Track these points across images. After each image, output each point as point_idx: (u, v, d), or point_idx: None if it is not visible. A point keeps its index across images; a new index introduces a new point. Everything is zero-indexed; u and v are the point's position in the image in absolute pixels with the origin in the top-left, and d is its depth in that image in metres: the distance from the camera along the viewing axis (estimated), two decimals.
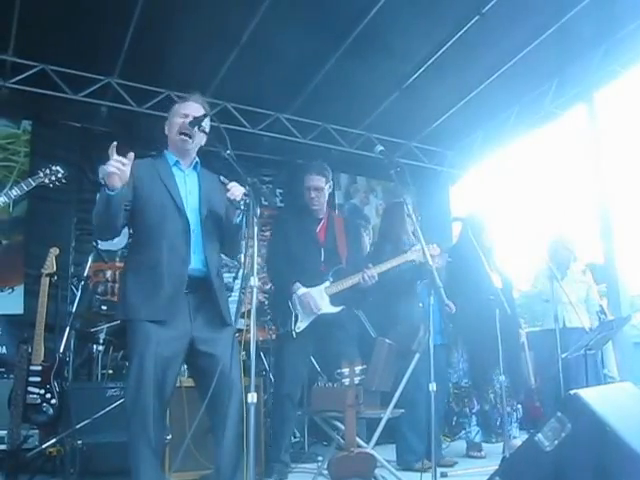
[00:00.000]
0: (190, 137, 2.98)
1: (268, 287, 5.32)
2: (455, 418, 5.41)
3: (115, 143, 2.64)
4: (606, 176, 6.83)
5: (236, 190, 2.86)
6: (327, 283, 4.11)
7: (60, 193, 3.84)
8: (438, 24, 5.91)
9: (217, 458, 2.82)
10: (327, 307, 4.08)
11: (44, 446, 3.94)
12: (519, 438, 4.85)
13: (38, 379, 4.19)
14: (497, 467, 3.38)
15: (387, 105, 7.15)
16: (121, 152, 2.65)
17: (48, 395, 4.18)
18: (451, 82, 6.77)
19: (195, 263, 2.91)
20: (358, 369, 3.13)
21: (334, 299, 4.10)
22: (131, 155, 2.68)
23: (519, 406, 5.24)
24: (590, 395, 2.58)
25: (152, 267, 2.83)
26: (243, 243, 2.96)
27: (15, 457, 3.88)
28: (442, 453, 4.74)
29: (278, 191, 7.85)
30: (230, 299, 3.43)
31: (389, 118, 7.34)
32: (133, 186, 2.87)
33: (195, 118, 2.95)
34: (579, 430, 2.48)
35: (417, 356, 3.66)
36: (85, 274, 5.22)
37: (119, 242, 5.48)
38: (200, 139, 3.04)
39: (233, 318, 3.00)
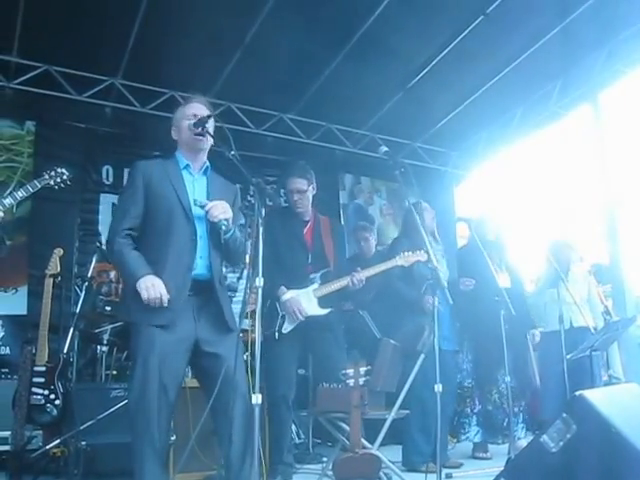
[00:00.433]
0: (203, 135, 2.96)
1: None
2: (456, 418, 5.40)
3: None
4: (611, 176, 6.80)
5: (215, 211, 2.86)
6: (315, 285, 4.10)
7: (64, 193, 3.84)
8: (442, 25, 5.91)
9: (224, 459, 2.83)
10: (315, 309, 4.06)
11: (48, 447, 3.92)
12: (524, 439, 4.84)
13: (42, 380, 4.18)
14: (502, 468, 3.38)
15: (391, 105, 7.15)
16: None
17: (52, 396, 4.17)
18: (455, 83, 6.76)
19: (200, 268, 2.90)
20: (363, 370, 3.13)
21: (322, 301, 4.09)
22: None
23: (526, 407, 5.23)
24: (595, 396, 2.57)
25: (156, 272, 2.81)
26: (249, 244, 2.95)
27: (19, 458, 3.88)
28: (448, 455, 4.72)
29: (282, 191, 7.84)
30: (234, 299, 3.43)
31: (393, 118, 7.34)
32: (144, 194, 2.89)
33: (199, 119, 2.95)
34: (584, 431, 2.47)
35: (422, 357, 3.65)
36: (89, 275, 5.21)
37: None
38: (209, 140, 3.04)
39: (237, 319, 2.99)
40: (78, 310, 4.96)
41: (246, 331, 3.63)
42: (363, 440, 3.34)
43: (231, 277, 5.99)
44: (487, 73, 6.69)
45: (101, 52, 5.87)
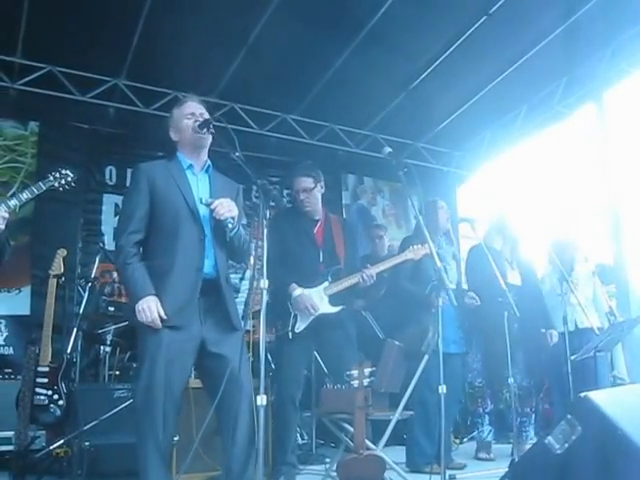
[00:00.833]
0: (206, 132, 2.96)
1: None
2: (470, 418, 5.39)
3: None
4: (615, 176, 6.78)
5: (221, 209, 2.85)
6: (326, 283, 4.09)
7: (67, 194, 3.83)
8: (445, 25, 5.90)
9: (227, 459, 2.80)
10: (326, 307, 4.05)
11: (51, 447, 3.93)
12: (534, 440, 4.82)
13: (45, 380, 4.19)
14: (506, 469, 3.37)
15: (394, 106, 7.14)
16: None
17: (55, 396, 4.18)
18: (458, 82, 6.75)
19: (207, 268, 2.89)
20: (367, 371, 3.12)
21: (333, 299, 4.08)
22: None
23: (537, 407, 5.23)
24: (600, 397, 2.56)
25: (165, 273, 2.81)
26: (252, 245, 2.95)
27: (22, 458, 3.88)
28: (451, 456, 4.71)
29: (286, 192, 7.84)
30: (237, 300, 3.42)
31: (396, 119, 7.33)
32: (149, 196, 2.89)
33: (205, 120, 2.95)
34: (589, 433, 2.46)
35: (426, 357, 3.64)
36: (92, 275, 5.21)
37: None
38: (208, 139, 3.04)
39: (241, 321, 2.99)
40: (81, 310, 4.97)
41: (248, 332, 3.62)
42: (367, 441, 3.33)
43: (233, 278, 5.98)
44: (490, 73, 6.67)
45: (104, 53, 5.87)
